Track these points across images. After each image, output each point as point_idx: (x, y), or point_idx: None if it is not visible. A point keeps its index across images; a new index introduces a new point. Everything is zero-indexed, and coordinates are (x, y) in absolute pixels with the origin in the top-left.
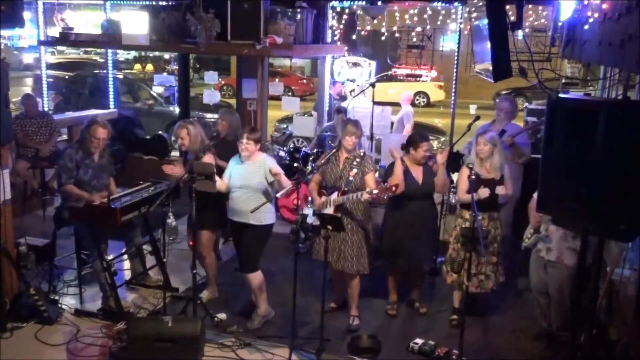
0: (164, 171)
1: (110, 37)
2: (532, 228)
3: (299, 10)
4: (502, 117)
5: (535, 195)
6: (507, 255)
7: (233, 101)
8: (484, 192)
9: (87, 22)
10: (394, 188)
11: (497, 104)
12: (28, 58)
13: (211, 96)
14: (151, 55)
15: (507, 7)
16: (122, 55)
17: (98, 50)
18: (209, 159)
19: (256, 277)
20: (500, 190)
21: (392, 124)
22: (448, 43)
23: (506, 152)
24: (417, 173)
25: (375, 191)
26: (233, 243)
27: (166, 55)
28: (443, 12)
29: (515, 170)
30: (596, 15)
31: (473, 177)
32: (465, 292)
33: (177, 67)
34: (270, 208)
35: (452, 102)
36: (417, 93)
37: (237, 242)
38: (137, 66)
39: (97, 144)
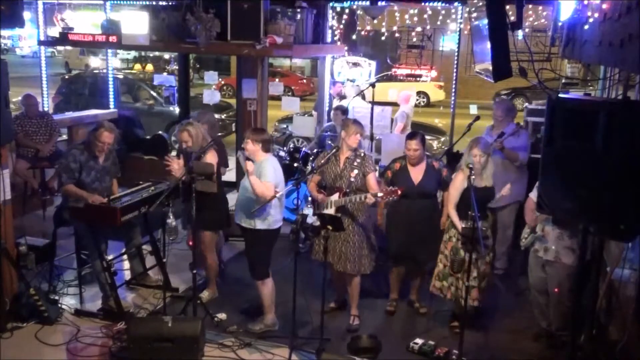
0: (165, 163)
1: (110, 37)
2: (528, 228)
3: (299, 10)
4: (498, 122)
5: (531, 195)
6: (507, 256)
7: (233, 101)
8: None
9: (87, 22)
10: (399, 192)
11: (493, 110)
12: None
13: (211, 96)
14: (151, 55)
15: (507, 7)
16: (122, 55)
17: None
18: (212, 158)
19: (264, 285)
20: (498, 197)
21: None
22: (448, 43)
23: (496, 156)
24: (416, 173)
25: (380, 194)
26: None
27: (166, 55)
28: (443, 12)
29: (512, 174)
30: (596, 15)
31: (473, 177)
32: (465, 293)
33: (177, 67)
34: (270, 212)
35: (452, 102)
36: (417, 93)
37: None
38: (137, 66)
39: (102, 147)
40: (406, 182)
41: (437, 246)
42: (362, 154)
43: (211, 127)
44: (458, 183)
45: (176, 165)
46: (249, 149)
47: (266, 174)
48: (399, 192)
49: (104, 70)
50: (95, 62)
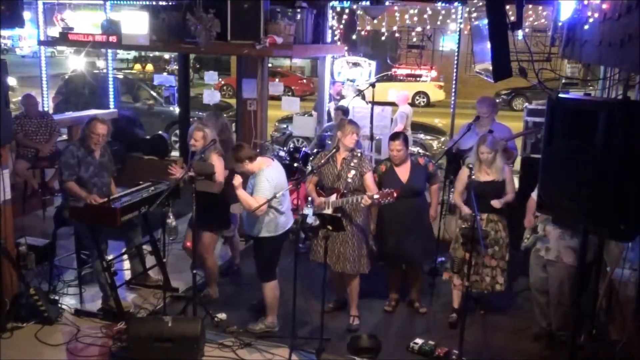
0: (169, 171)
1: (110, 37)
2: (529, 228)
3: (299, 10)
4: (484, 119)
5: (533, 194)
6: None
7: (233, 101)
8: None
9: (87, 22)
10: (395, 194)
11: (477, 106)
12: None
13: (211, 96)
14: (151, 55)
15: (507, 7)
16: (122, 55)
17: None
18: (217, 161)
19: (267, 288)
20: (495, 203)
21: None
22: (448, 43)
23: None
24: (403, 173)
25: (376, 196)
26: None
27: (166, 55)
28: (443, 12)
29: None
30: (596, 15)
31: (473, 176)
32: (464, 292)
33: (177, 67)
34: (273, 219)
35: (452, 102)
36: (417, 93)
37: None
38: (137, 66)
39: (97, 139)
40: (395, 182)
41: (431, 245)
42: (359, 154)
43: (220, 131)
44: (462, 176)
45: (179, 175)
46: (245, 171)
47: (259, 189)
48: (395, 194)
49: (103, 71)
50: (77, 63)
